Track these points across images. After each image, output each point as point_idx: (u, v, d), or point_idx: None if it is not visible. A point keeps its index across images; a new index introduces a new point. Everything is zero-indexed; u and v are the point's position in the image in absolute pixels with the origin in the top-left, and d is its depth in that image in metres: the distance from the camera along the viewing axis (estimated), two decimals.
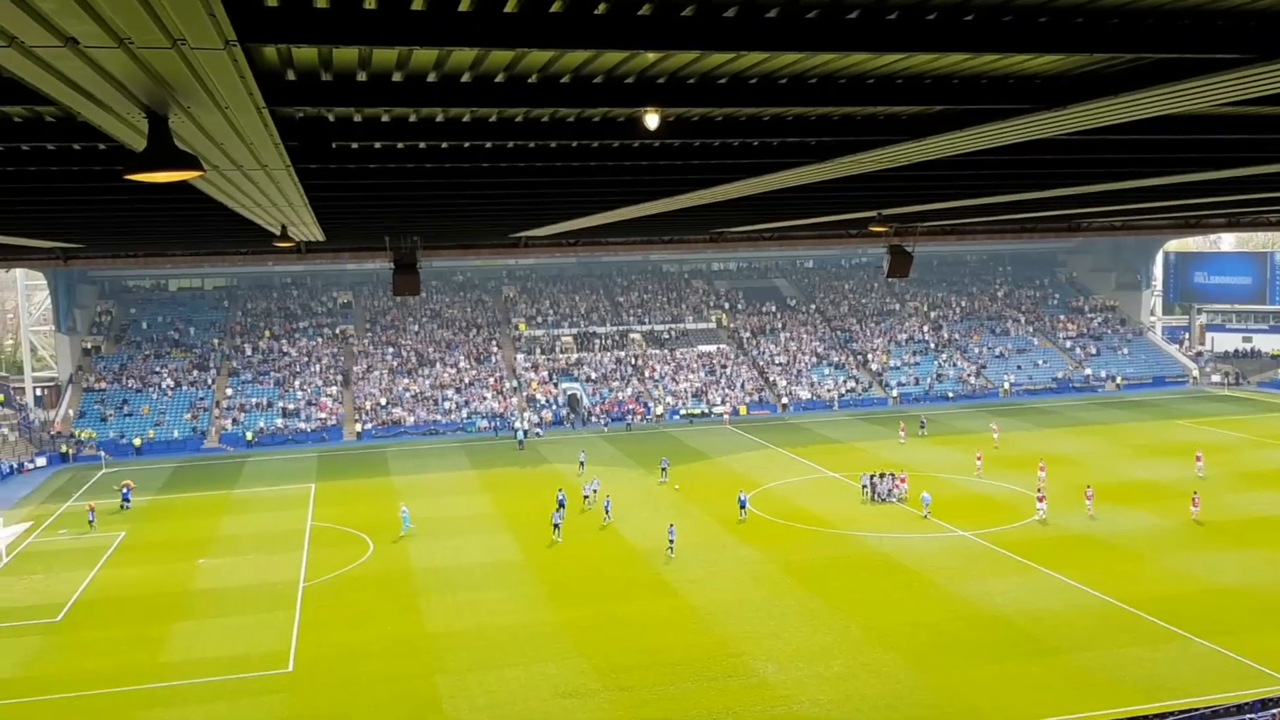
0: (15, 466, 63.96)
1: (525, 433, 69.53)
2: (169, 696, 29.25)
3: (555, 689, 28.61)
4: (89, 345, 79.64)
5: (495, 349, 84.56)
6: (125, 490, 53.83)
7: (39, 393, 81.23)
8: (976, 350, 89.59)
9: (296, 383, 77.39)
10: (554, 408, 77.06)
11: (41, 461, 65.73)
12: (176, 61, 6.03)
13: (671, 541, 40.42)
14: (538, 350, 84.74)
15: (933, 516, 45.31)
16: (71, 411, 72.28)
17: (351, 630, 33.88)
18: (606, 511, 46.68)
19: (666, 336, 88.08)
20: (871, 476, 50.04)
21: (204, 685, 29.83)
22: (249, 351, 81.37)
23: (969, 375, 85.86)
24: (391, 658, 31.38)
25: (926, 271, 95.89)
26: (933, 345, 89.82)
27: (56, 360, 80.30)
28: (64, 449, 67.29)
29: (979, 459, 55.32)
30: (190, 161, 7.95)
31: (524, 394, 78.50)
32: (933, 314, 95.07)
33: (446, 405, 76.05)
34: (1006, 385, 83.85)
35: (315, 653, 32.00)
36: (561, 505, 46.42)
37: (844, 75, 9.97)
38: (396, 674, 30.14)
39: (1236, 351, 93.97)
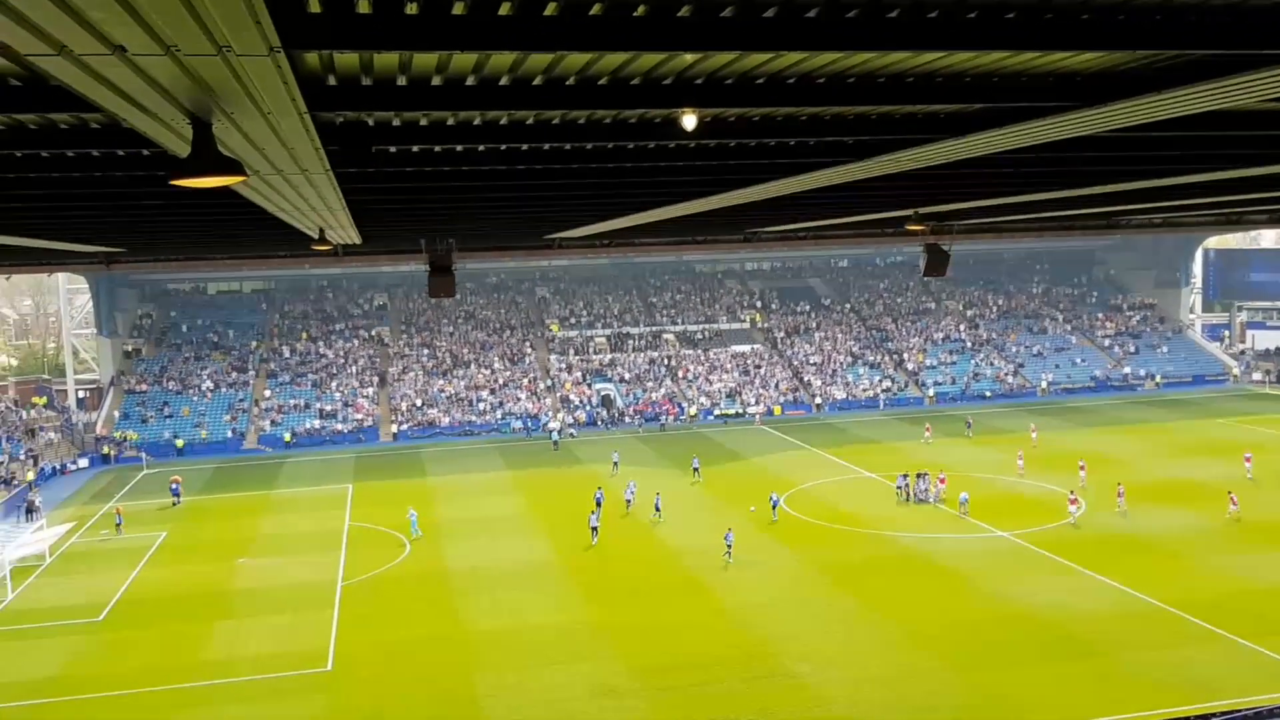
0: (58, 468, 64.95)
1: (559, 433, 69.73)
2: (210, 695, 29.59)
3: (591, 689, 28.66)
4: (130, 348, 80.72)
5: (529, 350, 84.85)
6: (175, 486, 54.89)
7: (81, 395, 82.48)
8: (1014, 349, 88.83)
9: (333, 384, 78.05)
10: (588, 408, 77.22)
11: (84, 463, 66.70)
12: (222, 68, 6.10)
13: (729, 546, 40.10)
14: (571, 351, 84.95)
15: (971, 516, 44.97)
16: (116, 413, 73.28)
17: (389, 629, 34.12)
18: (657, 509, 46.80)
19: (700, 337, 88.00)
20: (906, 476, 49.74)
21: (244, 684, 30.15)
22: (287, 353, 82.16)
23: (1006, 374, 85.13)
24: (429, 656, 31.57)
25: (963, 270, 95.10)
26: (969, 344, 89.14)
27: (98, 363, 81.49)
28: (106, 450, 68.24)
29: (1020, 458, 54.83)
30: (233, 166, 8.05)
31: (558, 395, 78.72)
32: (969, 312, 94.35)
33: (481, 406, 76.42)
34: (1044, 384, 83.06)
35: (354, 651, 32.26)
36: (599, 505, 46.59)
37: (883, 74, 9.92)
38: (434, 672, 30.31)
39: (1278, 349, 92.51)
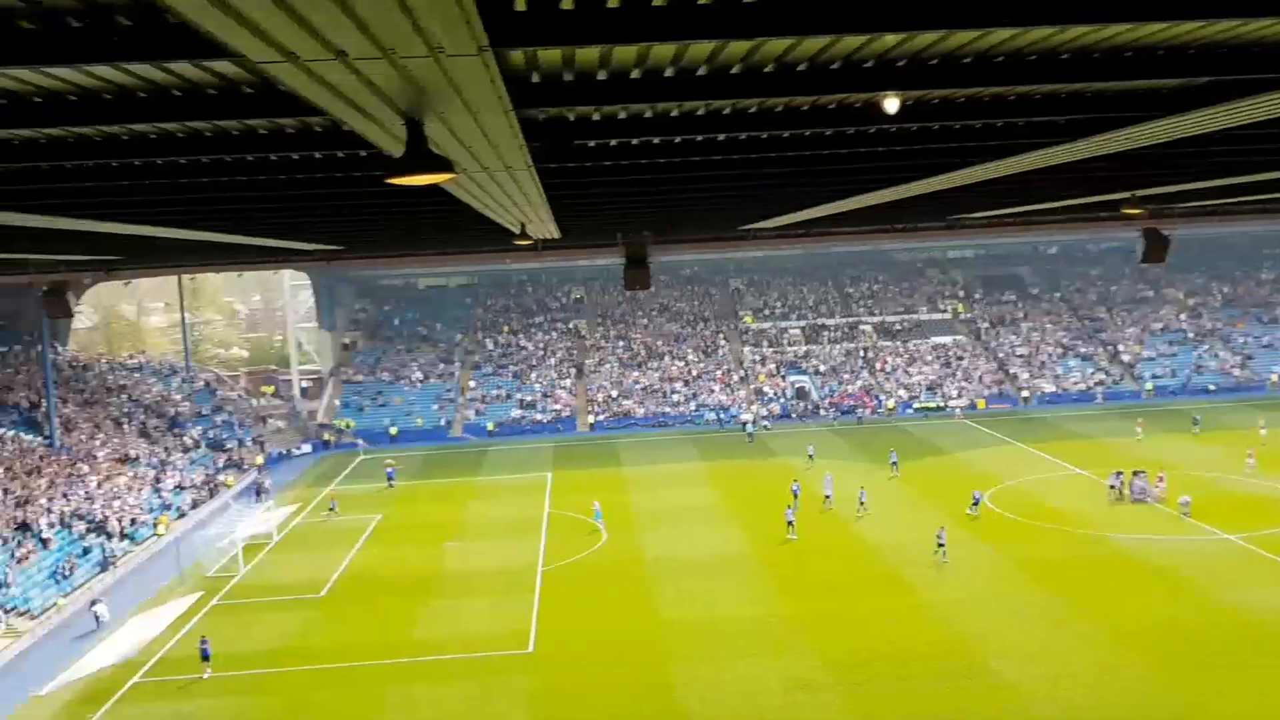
0: (284, 453, 69.55)
1: (753, 425, 69.55)
2: (419, 671, 31.05)
3: (785, 682, 28.48)
4: (347, 341, 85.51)
5: (723, 342, 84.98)
6: (390, 470, 58.16)
7: (304, 385, 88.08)
8: (1241, 340, 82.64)
9: (533, 375, 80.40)
10: (781, 400, 76.69)
11: (307, 448, 71.25)
12: (434, 69, 6.34)
13: (941, 544, 38.81)
14: (765, 343, 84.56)
15: (1192, 517, 42.15)
16: (335, 402, 77.85)
17: (587, 615, 34.90)
18: (861, 502, 46.15)
19: (899, 328, 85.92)
20: (1120, 474, 47.07)
21: (452, 662, 31.48)
22: (490, 346, 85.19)
23: (1232, 367, 79.29)
24: (625, 643, 32.10)
25: (1184, 256, 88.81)
26: (1191, 335, 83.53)
27: (319, 355, 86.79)
28: (326, 437, 72.65)
29: (1250, 456, 51.01)
30: (444, 164, 8.36)
31: (751, 387, 78.53)
32: (1191, 301, 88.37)
33: (675, 398, 77.09)
34: (1275, 378, 76.90)
35: (553, 635, 33.17)
36: (795, 497, 46.27)
37: (1099, 49, 9.38)
38: (630, 659, 30.80)
39: None
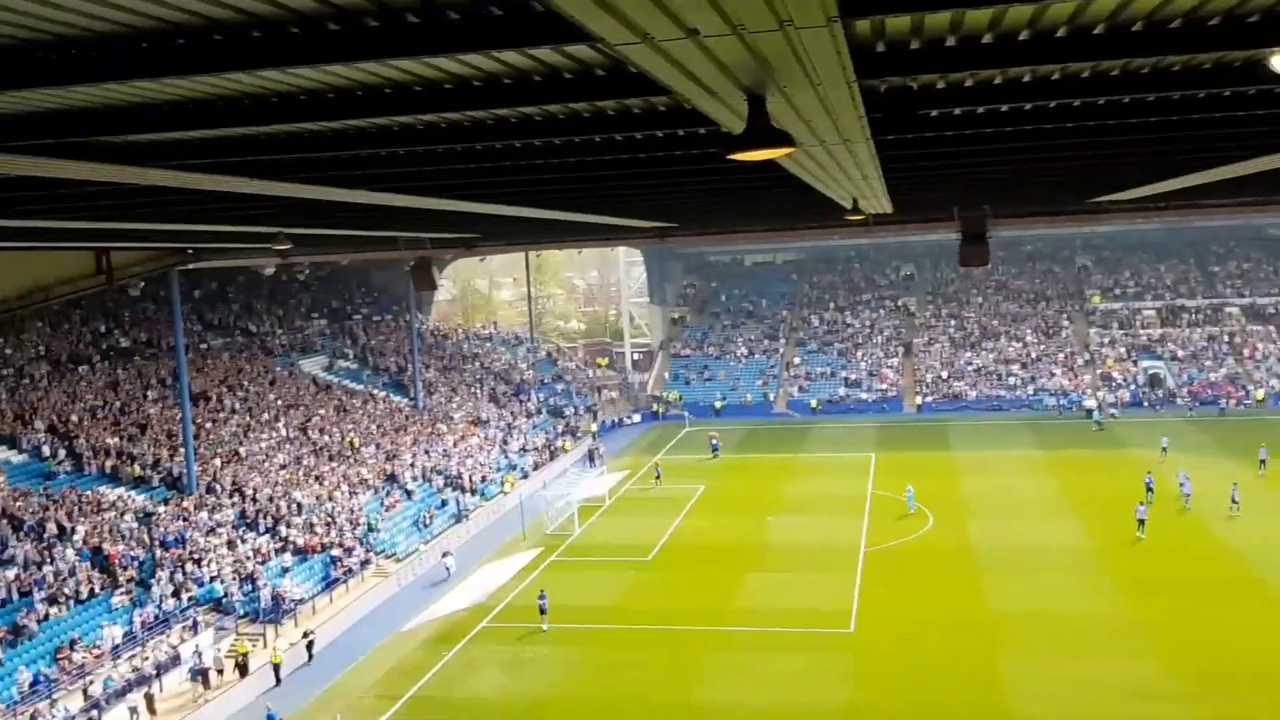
0: (616, 422, 72.90)
1: (1099, 412, 64.94)
2: (741, 641, 31.65)
3: (1126, 689, 26.54)
4: (676, 316, 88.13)
5: (1065, 323, 79.84)
6: (714, 442, 59.98)
7: (636, 358, 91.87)
8: None
9: (859, 354, 79.30)
10: (1131, 387, 71.07)
11: (637, 418, 74.33)
12: (781, 43, 6.34)
13: None
14: (1114, 325, 78.57)
15: None
16: (665, 375, 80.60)
17: (910, 599, 34.13)
18: (1234, 500, 42.02)
19: (1272, 311, 77.05)
20: None
21: (772, 635, 31.83)
22: (815, 323, 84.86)
23: None
24: (950, 632, 31.12)
25: None
26: None
27: (650, 329, 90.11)
28: (655, 408, 75.41)
29: None
30: (784, 139, 8.37)
31: (1097, 371, 73.31)
32: None
33: (1011, 381, 73.42)
34: None
35: (875, 617, 32.72)
36: (1150, 491, 42.87)
37: None
38: (955, 648, 29.83)
39: None
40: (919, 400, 72.84)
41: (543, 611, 33.60)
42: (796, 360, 79.85)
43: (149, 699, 29.05)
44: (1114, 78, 11.24)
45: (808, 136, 11.41)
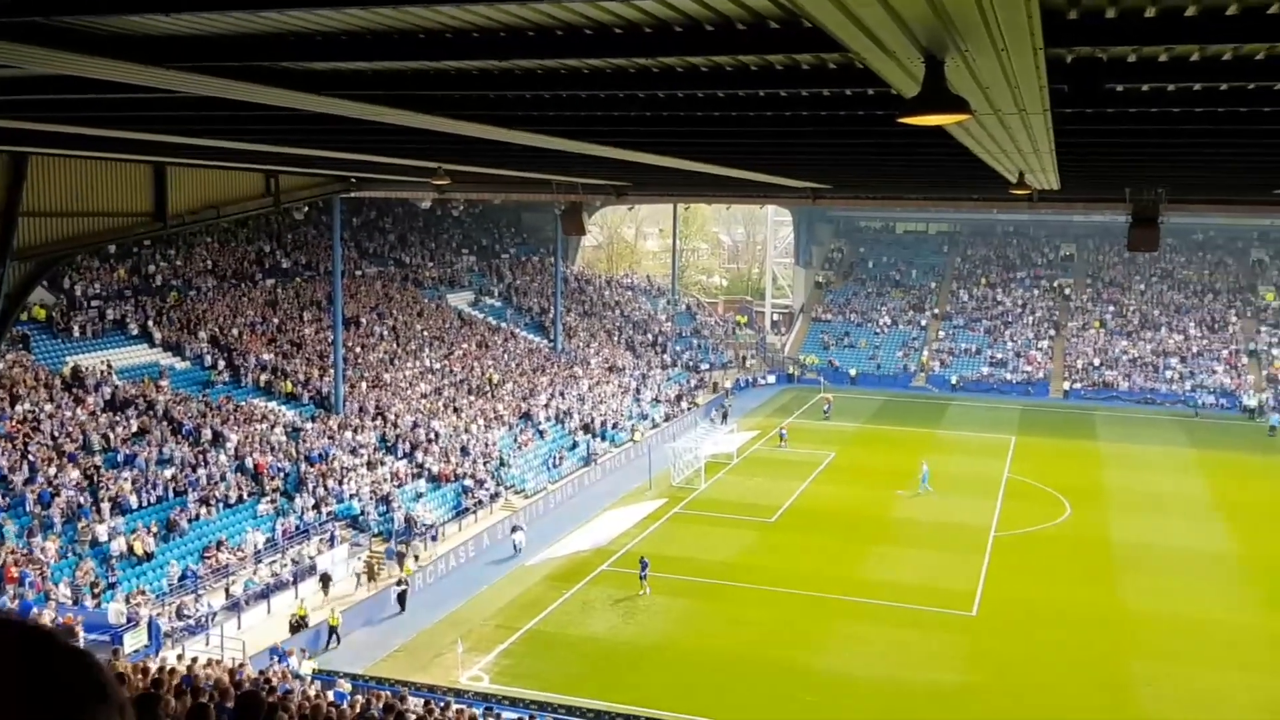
0: (750, 381, 72.61)
1: (1259, 412, 61.46)
2: (859, 611, 31.39)
3: (1261, 705, 25.39)
4: (820, 279, 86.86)
5: (1233, 318, 75.60)
6: (827, 406, 60.69)
7: (775, 318, 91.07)
8: None
9: (1007, 333, 76.85)
10: None
11: (771, 379, 73.84)
12: (968, 2, 6.08)
13: None
14: None
15: None
16: (803, 337, 79.76)
17: (1038, 588, 33.24)
18: None
19: None
20: None
21: (890, 609, 31.45)
22: (964, 297, 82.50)
23: None
24: (1079, 627, 30.18)
25: None
26: None
27: (792, 290, 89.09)
28: (791, 370, 74.76)
29: None
30: (960, 104, 8.07)
31: (1263, 371, 69.33)
32: None
33: (1168, 374, 70.09)
34: None
35: (999, 603, 31.99)
36: None
37: None
38: (1080, 643, 28.94)
39: None
40: (1066, 386, 70.26)
41: (643, 578, 32.48)
42: (941, 334, 77.89)
43: (324, 579, 31.92)
44: None
45: (983, 104, 10.95)
